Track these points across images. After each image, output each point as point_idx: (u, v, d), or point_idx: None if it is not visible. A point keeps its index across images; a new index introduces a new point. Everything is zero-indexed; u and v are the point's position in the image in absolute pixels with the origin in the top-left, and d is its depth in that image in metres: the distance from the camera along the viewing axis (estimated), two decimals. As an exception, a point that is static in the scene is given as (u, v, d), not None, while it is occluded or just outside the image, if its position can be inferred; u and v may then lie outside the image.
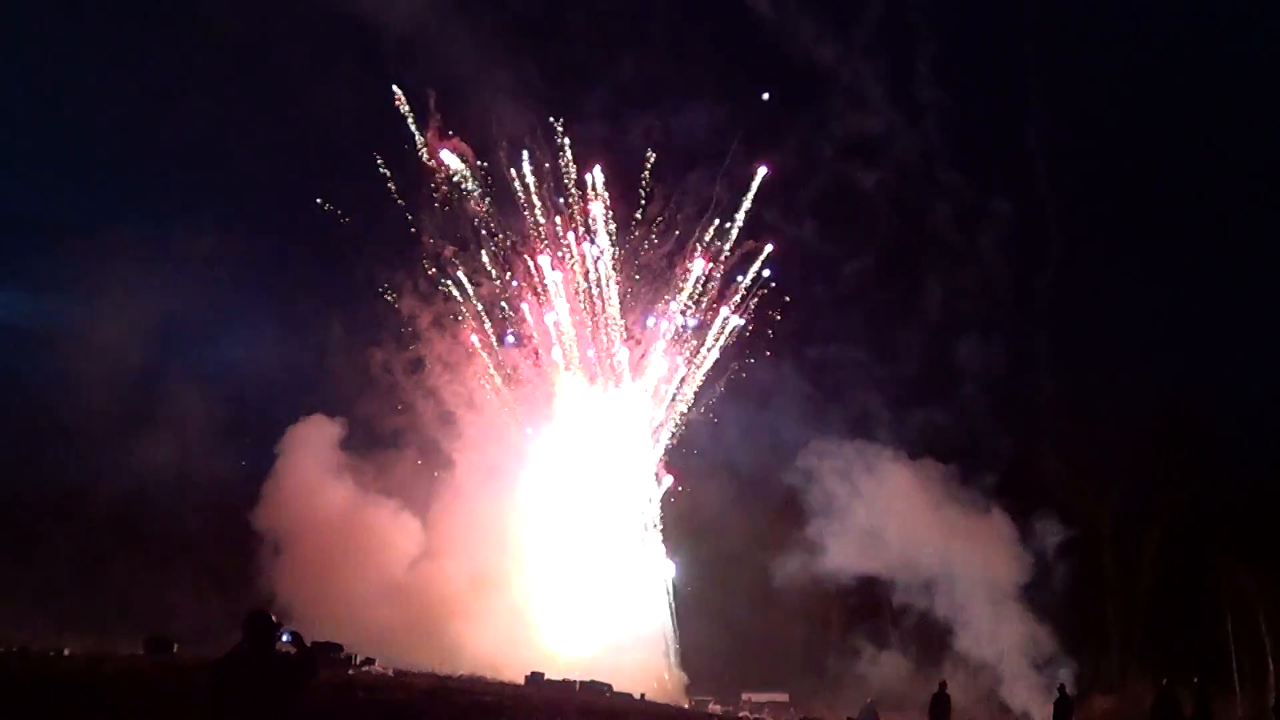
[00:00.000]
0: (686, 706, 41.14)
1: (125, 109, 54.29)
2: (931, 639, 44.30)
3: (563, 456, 46.44)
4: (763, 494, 46.33)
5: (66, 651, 32.86)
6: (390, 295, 46.70)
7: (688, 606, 45.73)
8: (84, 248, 46.11)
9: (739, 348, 47.60)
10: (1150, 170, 56.57)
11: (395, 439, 46.85)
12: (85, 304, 48.09)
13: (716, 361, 47.43)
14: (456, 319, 47.19)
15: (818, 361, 49.10)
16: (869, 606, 48.02)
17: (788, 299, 47.90)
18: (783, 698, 44.66)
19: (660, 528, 46.60)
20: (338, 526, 44.17)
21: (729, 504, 46.46)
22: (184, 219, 51.10)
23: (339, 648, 34.89)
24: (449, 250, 46.98)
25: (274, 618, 10.03)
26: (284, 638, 10.21)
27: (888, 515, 43.38)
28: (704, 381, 47.46)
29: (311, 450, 45.62)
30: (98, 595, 41.82)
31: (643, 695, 38.45)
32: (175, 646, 34.46)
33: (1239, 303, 55.25)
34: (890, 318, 50.93)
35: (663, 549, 46.38)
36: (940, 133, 49.30)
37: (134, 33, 55.98)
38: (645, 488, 46.86)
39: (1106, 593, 48.55)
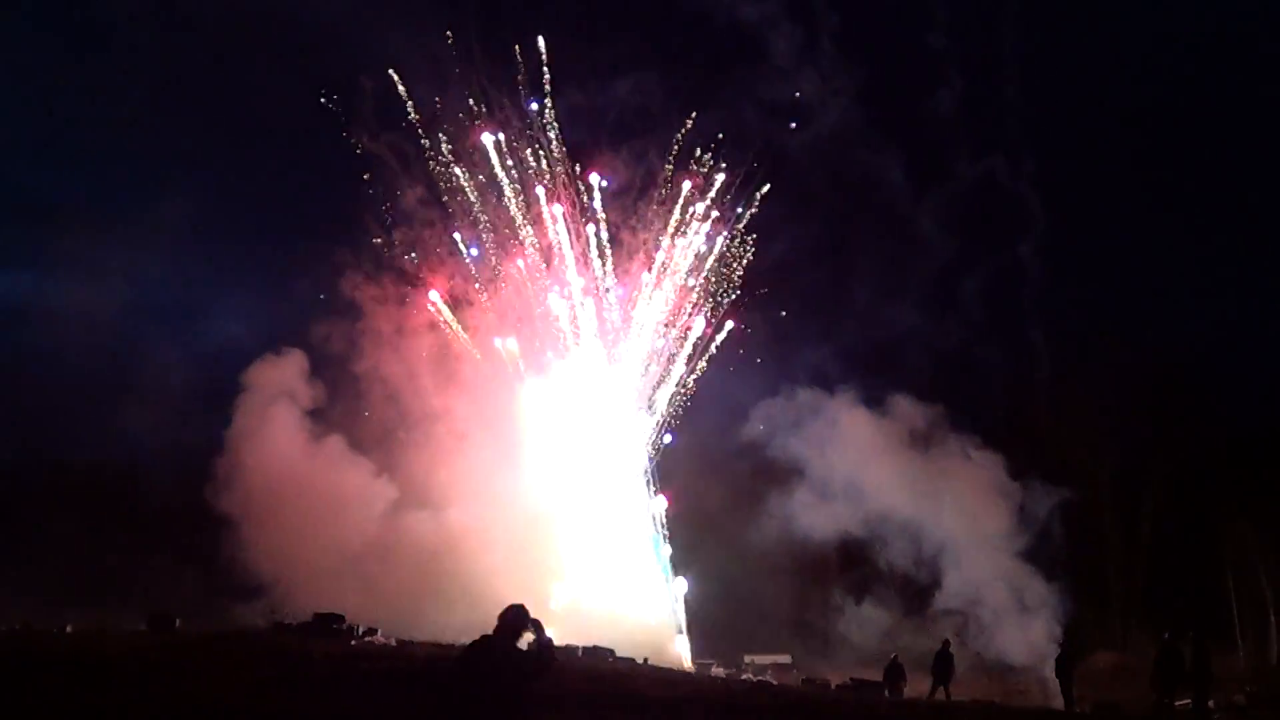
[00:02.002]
0: (689, 670, 41.17)
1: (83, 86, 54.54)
2: (920, 593, 44.37)
3: (555, 410, 46.57)
4: (747, 453, 46.44)
5: (69, 629, 32.90)
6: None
7: (687, 570, 45.82)
8: (50, 224, 46.20)
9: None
10: (1145, 123, 56.53)
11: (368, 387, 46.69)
12: (59, 281, 48.11)
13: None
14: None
15: (803, 312, 49.63)
16: (853, 563, 47.86)
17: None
18: (785, 659, 44.68)
19: (654, 482, 46.82)
20: (305, 483, 44.19)
21: (717, 464, 46.59)
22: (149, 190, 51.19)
23: (341, 618, 34.92)
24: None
25: (529, 613, 10.42)
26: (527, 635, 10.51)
27: (859, 466, 43.51)
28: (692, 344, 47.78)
29: (272, 397, 45.64)
30: (88, 572, 41.89)
31: (645, 660, 38.47)
32: (177, 622, 34.49)
33: (1237, 257, 55.30)
34: (881, 272, 51.05)
35: (660, 506, 46.50)
36: (939, 86, 49.62)
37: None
38: (640, 446, 47.01)
39: (1107, 548, 48.61)
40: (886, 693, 34.32)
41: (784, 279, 49.50)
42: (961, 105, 49.79)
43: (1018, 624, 40.79)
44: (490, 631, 10.54)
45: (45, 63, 59.57)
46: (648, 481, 46.64)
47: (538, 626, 10.43)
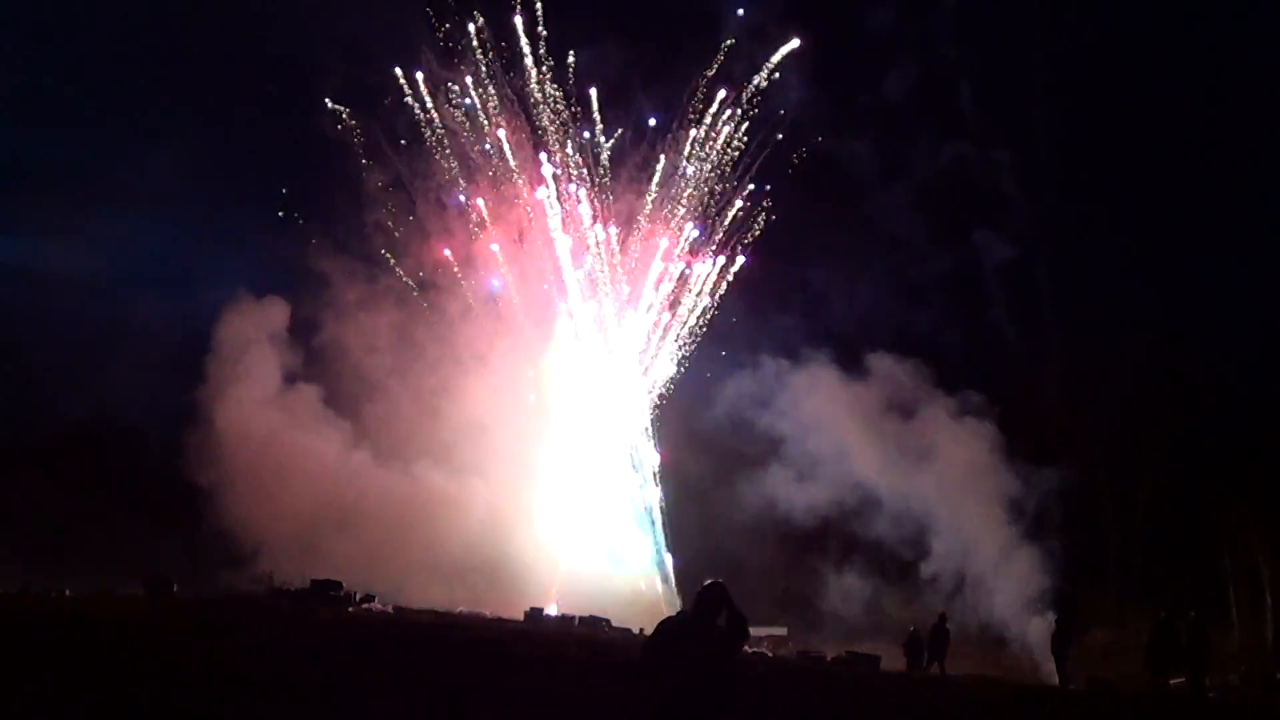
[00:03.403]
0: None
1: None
2: (906, 565, 44.46)
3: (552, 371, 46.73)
4: (730, 425, 46.48)
5: (67, 592, 32.95)
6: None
7: (681, 540, 45.96)
8: (31, 190, 46.15)
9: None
10: (1149, 108, 56.51)
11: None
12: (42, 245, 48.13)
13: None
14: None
15: (805, 283, 49.89)
16: (836, 535, 47.77)
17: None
18: (781, 632, 44.76)
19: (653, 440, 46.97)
20: (280, 445, 44.18)
21: (703, 436, 46.74)
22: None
23: (339, 585, 35.00)
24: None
25: (725, 588, 10.31)
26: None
27: (840, 435, 43.66)
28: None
29: (248, 344, 45.46)
30: (79, 538, 41.94)
31: (641, 630, 38.59)
32: (175, 587, 34.56)
33: (1238, 239, 55.20)
34: (885, 252, 51.12)
35: (654, 463, 46.60)
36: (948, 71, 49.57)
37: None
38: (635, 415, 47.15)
39: (1105, 526, 48.70)
40: (909, 667, 34.24)
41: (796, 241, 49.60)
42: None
43: (1009, 597, 40.93)
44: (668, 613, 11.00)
45: (23, 28, 59.16)
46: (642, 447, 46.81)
47: (731, 603, 10.34)
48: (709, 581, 10.42)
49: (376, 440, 45.00)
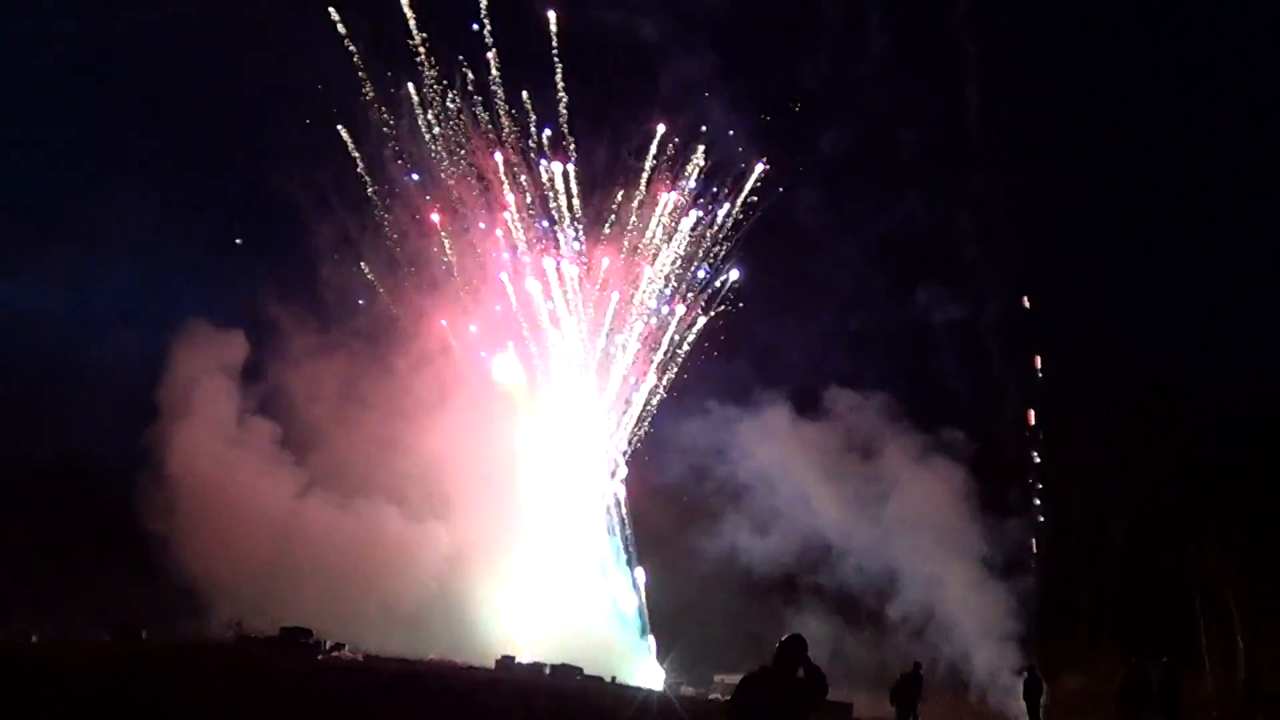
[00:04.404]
0: (658, 689, 41.12)
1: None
2: (873, 610, 44.44)
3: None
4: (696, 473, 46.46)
5: (34, 639, 32.66)
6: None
7: (656, 588, 45.87)
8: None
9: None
10: (1126, 146, 56.90)
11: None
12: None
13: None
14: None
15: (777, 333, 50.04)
16: (799, 581, 47.67)
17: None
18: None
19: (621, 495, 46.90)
20: (238, 483, 43.76)
21: (671, 485, 46.67)
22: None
23: (309, 633, 34.78)
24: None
25: (804, 642, 10.71)
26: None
27: (800, 481, 43.86)
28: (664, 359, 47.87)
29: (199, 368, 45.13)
30: (45, 583, 41.46)
31: (614, 678, 38.46)
32: (144, 633, 34.27)
33: (1212, 284, 55.52)
34: (859, 290, 51.21)
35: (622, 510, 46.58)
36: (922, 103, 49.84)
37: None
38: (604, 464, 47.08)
39: (1076, 570, 48.73)
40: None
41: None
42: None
43: (980, 643, 40.95)
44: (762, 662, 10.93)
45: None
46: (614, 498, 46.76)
47: (807, 657, 10.63)
48: (788, 635, 10.79)
49: (334, 483, 44.62)
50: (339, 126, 46.03)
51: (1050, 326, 50.64)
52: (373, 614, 40.61)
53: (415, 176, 47.26)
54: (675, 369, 47.78)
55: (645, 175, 47.37)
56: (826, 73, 48.93)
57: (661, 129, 47.13)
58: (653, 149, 47.17)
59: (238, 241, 49.37)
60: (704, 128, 47.53)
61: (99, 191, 56.39)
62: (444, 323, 47.16)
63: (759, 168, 47.61)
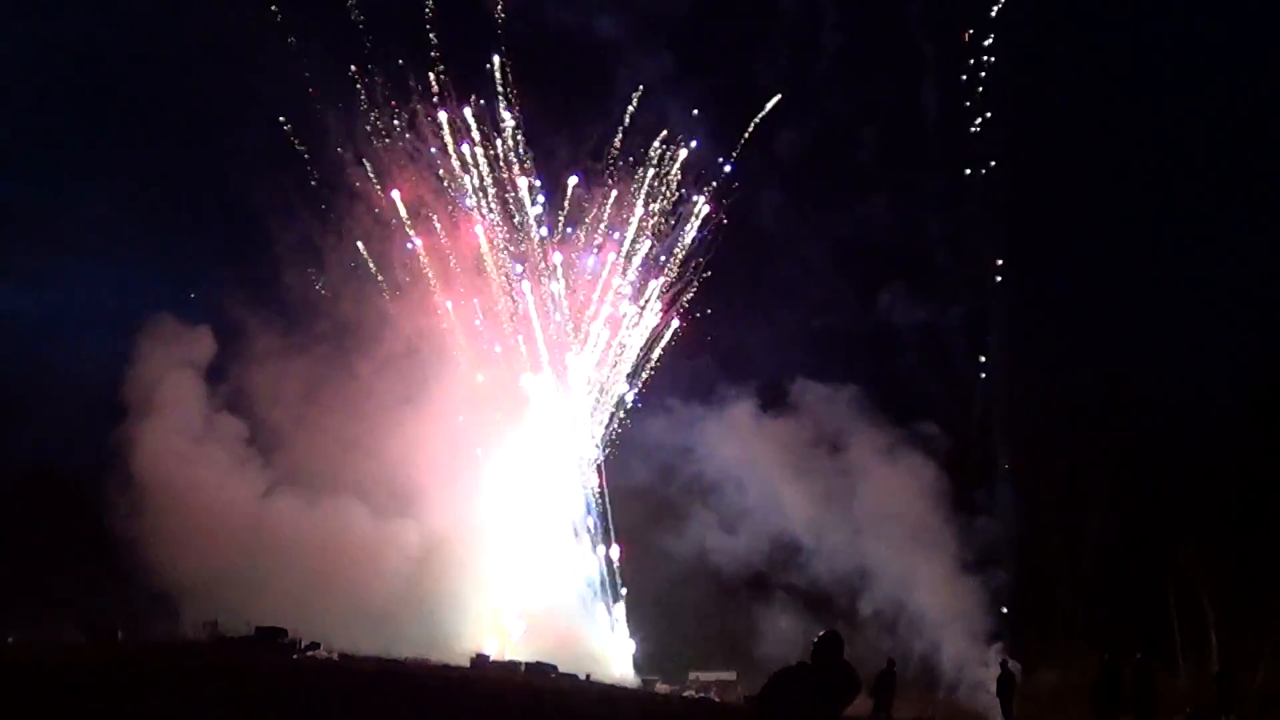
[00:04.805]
0: (633, 687, 41.20)
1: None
2: (845, 606, 44.57)
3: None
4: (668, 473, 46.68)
5: (10, 639, 32.57)
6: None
7: (625, 583, 46.00)
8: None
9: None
10: (1102, 152, 56.99)
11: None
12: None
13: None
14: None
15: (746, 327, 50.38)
16: (769, 578, 47.78)
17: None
18: (730, 676, 44.70)
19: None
20: (204, 482, 43.69)
21: (645, 484, 46.74)
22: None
23: (284, 632, 34.73)
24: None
25: (840, 639, 10.42)
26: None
27: (770, 478, 44.16)
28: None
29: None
30: (19, 584, 41.29)
31: (588, 676, 38.52)
32: (119, 634, 34.20)
33: (1188, 283, 55.66)
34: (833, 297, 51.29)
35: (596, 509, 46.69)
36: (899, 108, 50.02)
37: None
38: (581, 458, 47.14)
39: (1050, 567, 48.90)
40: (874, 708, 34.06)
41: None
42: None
43: (952, 637, 41.17)
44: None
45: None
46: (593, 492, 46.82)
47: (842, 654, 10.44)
48: (824, 632, 10.53)
49: (304, 480, 44.57)
50: (281, 121, 46.32)
51: (1022, 322, 50.90)
52: (342, 612, 40.45)
53: (374, 179, 47.19)
54: (647, 370, 47.98)
55: (606, 174, 47.71)
56: (787, 72, 49.21)
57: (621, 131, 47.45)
58: (614, 150, 47.46)
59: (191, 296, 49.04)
60: (665, 131, 47.80)
61: (62, 193, 56.13)
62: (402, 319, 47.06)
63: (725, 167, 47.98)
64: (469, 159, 46.89)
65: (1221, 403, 48.97)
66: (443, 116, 46.65)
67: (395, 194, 46.69)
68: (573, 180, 47.50)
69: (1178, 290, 56.19)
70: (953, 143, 49.40)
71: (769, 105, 47.71)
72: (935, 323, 48.98)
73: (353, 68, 45.76)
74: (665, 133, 47.55)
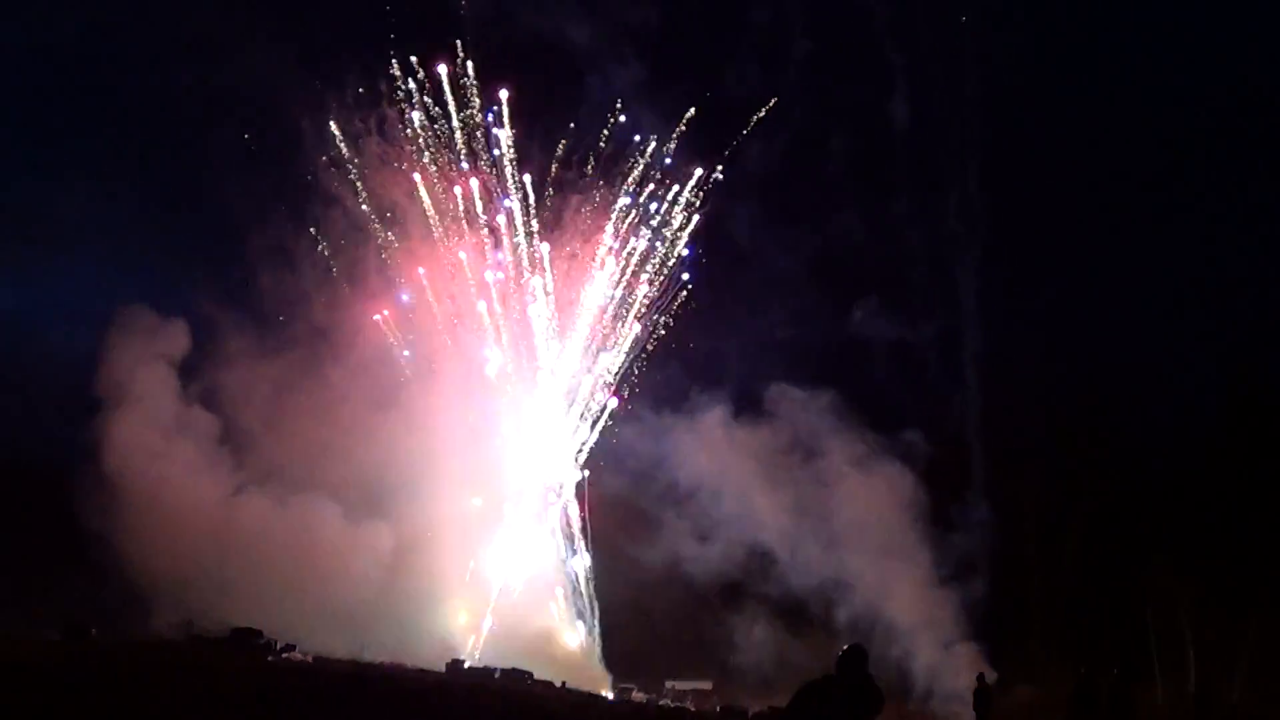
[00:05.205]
0: (609, 695, 41.11)
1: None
2: (818, 616, 44.55)
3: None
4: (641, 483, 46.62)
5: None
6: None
7: (607, 594, 45.85)
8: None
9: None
10: (1080, 164, 57.02)
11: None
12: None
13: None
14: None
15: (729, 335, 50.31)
16: (743, 588, 47.73)
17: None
18: (706, 685, 44.64)
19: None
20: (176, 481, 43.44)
21: (620, 493, 46.66)
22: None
23: (259, 634, 34.58)
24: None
25: (865, 652, 10.58)
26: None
27: (741, 487, 44.18)
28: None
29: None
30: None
31: (564, 683, 38.39)
32: (93, 631, 33.99)
33: (1165, 295, 55.73)
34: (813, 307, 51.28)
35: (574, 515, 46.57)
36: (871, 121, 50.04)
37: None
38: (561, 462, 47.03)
39: (1027, 581, 48.93)
40: None
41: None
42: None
43: (928, 650, 41.18)
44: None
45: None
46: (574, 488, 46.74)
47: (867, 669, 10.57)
48: (849, 645, 10.68)
49: (278, 480, 44.49)
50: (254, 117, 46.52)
51: (998, 336, 51.04)
52: (313, 614, 40.21)
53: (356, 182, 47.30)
54: (630, 378, 47.90)
55: (583, 182, 47.82)
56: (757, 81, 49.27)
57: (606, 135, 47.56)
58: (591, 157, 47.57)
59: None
60: (637, 137, 48.12)
61: (36, 190, 55.66)
62: (379, 317, 47.12)
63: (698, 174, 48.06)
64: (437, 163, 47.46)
65: (1200, 417, 49.05)
66: (416, 116, 47.10)
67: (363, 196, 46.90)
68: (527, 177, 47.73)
69: (1156, 305, 56.28)
70: (928, 151, 49.79)
71: (754, 119, 47.71)
72: (910, 337, 49.07)
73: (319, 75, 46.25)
74: (637, 138, 47.95)
